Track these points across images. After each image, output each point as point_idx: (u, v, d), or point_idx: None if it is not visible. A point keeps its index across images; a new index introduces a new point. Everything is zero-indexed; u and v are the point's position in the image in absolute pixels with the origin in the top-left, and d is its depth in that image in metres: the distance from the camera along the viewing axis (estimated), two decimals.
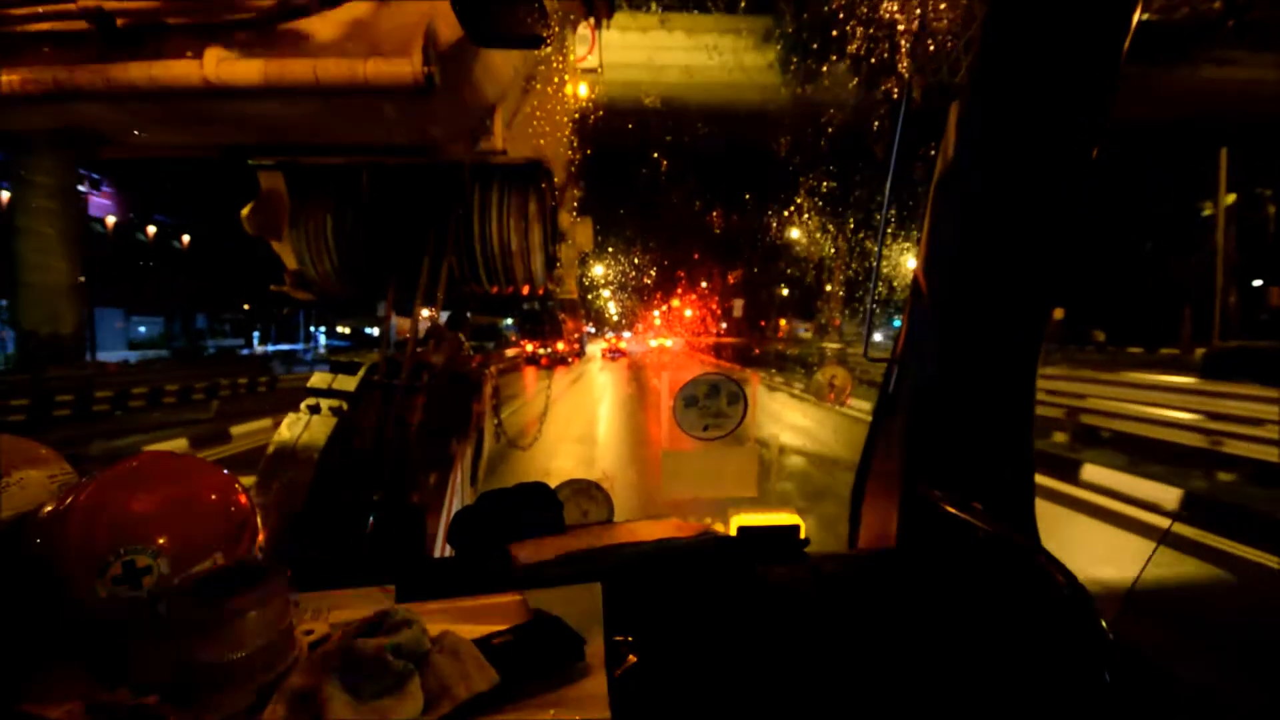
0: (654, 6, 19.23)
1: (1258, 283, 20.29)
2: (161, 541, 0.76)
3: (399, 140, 2.29)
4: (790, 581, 1.13)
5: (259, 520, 0.92)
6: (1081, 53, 1.08)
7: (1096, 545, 5.03)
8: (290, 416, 2.28)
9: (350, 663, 0.69)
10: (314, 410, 2.30)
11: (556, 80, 2.70)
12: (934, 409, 1.29)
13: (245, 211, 2.62)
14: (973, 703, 0.89)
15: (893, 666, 0.93)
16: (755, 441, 1.58)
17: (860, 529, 1.41)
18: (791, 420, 11.10)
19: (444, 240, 2.62)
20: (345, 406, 2.32)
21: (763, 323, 36.36)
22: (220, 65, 1.50)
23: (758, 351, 27.42)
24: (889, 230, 1.50)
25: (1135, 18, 1.02)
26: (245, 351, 33.40)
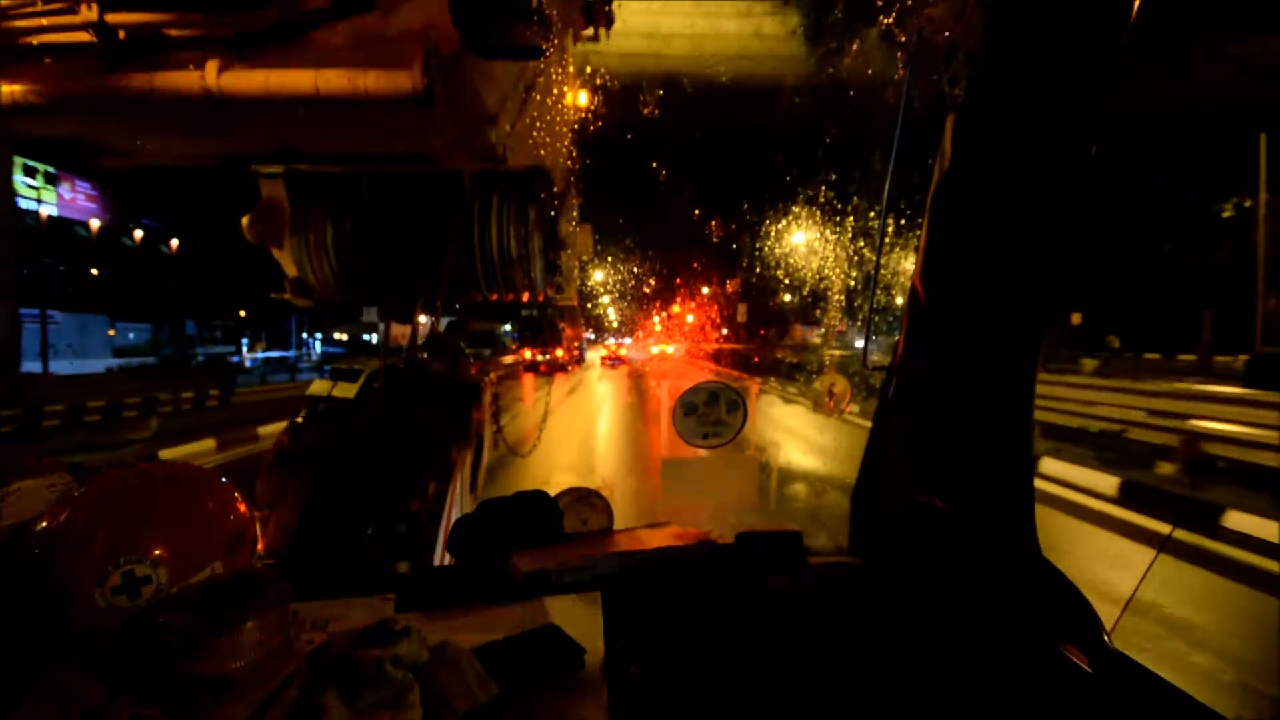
0: None
1: None
2: (160, 551, 0.76)
3: (400, 149, 2.30)
4: (790, 590, 1.12)
5: (258, 529, 0.92)
6: (1077, 63, 1.09)
7: None
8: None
9: (349, 673, 0.69)
10: (309, 418, 2.30)
11: (556, 90, 2.72)
12: (933, 417, 1.29)
13: (246, 219, 2.63)
14: (973, 709, 0.89)
15: (894, 674, 0.93)
16: (755, 449, 1.58)
17: (861, 537, 1.41)
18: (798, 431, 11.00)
19: (444, 248, 2.63)
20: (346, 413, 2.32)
21: (762, 331, 36.23)
22: (222, 76, 1.52)
23: (756, 360, 27.33)
24: (886, 240, 1.51)
25: (1129, 25, 1.03)
26: (235, 359, 32.41)
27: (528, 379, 20.48)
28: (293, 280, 2.81)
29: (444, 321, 3.13)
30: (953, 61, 1.23)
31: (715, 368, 24.89)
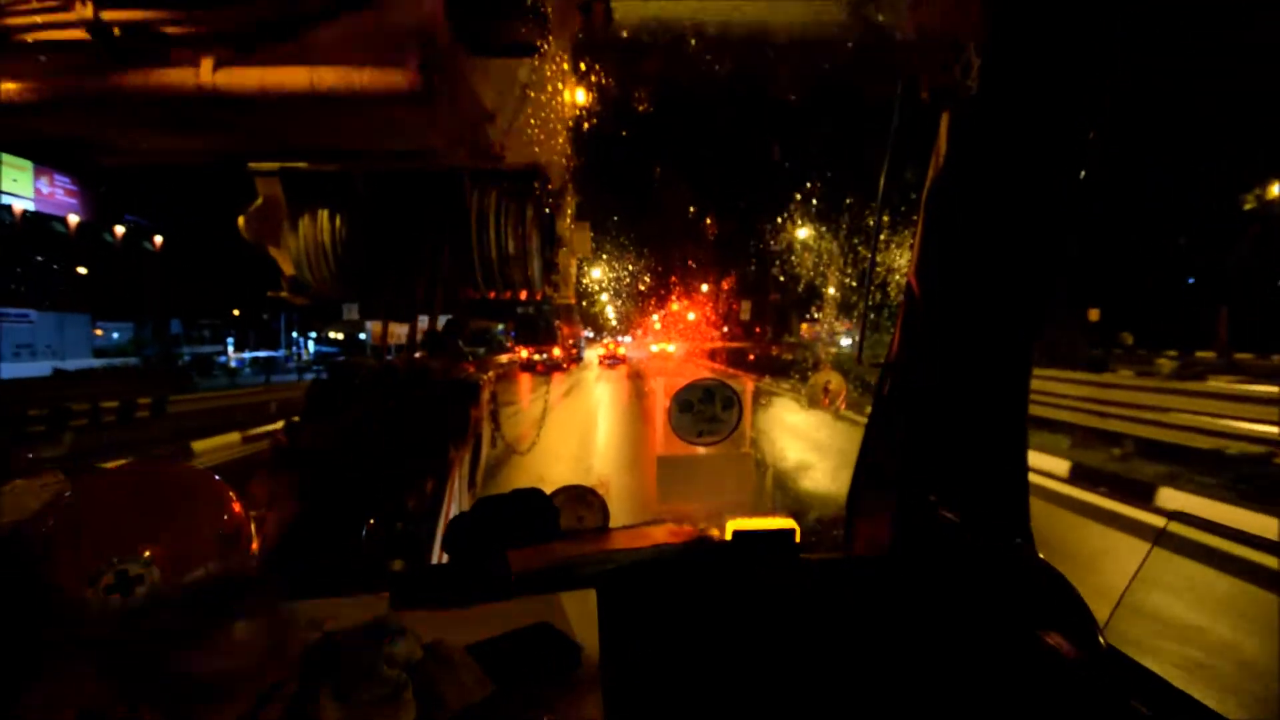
0: None
1: None
2: (154, 550, 0.76)
3: (396, 147, 2.30)
4: (785, 586, 1.13)
5: (253, 529, 0.92)
6: (1074, 59, 1.09)
7: None
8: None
9: (344, 671, 0.69)
10: (296, 427, 2.29)
11: (554, 88, 2.72)
12: (928, 414, 1.29)
13: (243, 218, 2.63)
14: (966, 706, 0.89)
15: (887, 670, 0.93)
16: (751, 446, 1.59)
17: (855, 533, 1.41)
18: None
19: (441, 246, 2.63)
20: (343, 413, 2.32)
21: (758, 328, 36.12)
22: (217, 73, 1.51)
23: (751, 359, 27.21)
24: (882, 236, 1.51)
25: (1128, 18, 1.03)
26: (222, 359, 30.81)
27: (523, 378, 20.20)
28: (290, 279, 2.81)
29: (440, 320, 3.13)
30: (959, 54, 1.22)
31: (717, 365, 24.72)
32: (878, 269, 1.50)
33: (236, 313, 37.81)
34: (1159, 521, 5.55)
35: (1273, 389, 8.44)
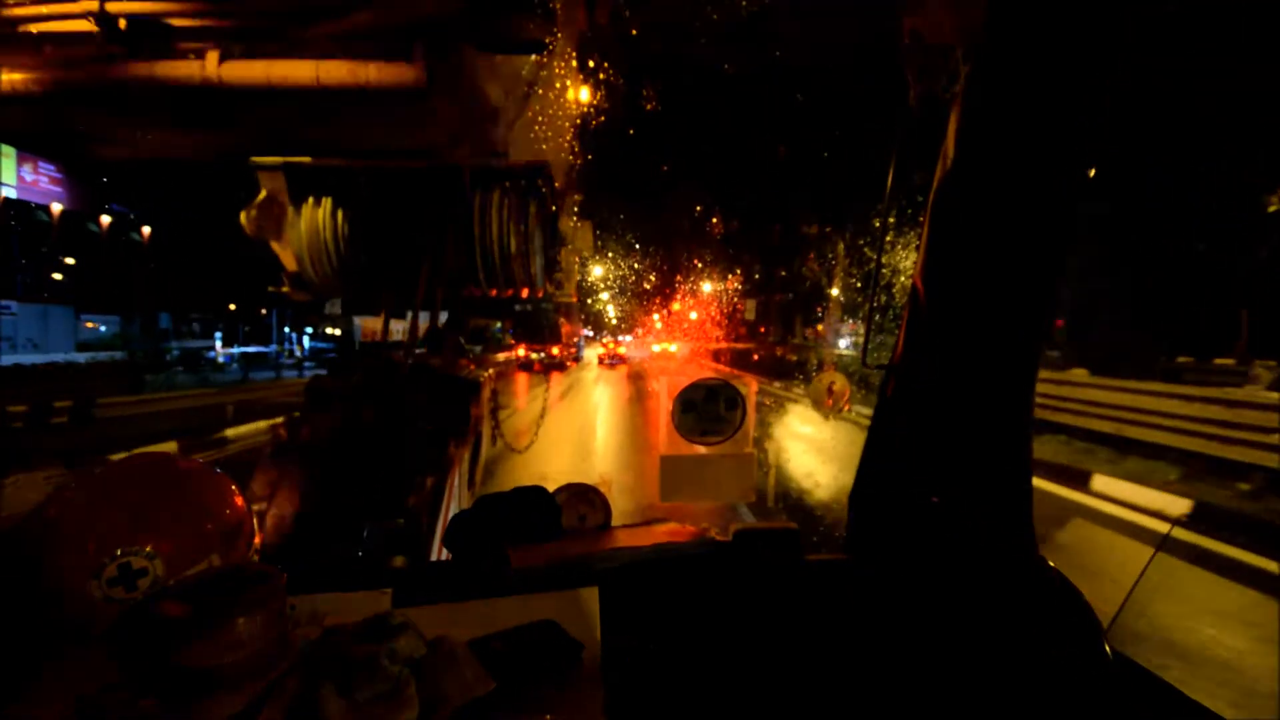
0: None
1: None
2: (157, 544, 0.76)
3: (400, 143, 2.30)
4: (788, 587, 1.12)
5: (255, 523, 0.91)
6: (1080, 59, 1.09)
7: None
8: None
9: (346, 667, 0.69)
10: (296, 422, 2.28)
11: (559, 85, 2.71)
12: (932, 415, 1.29)
13: (245, 213, 2.62)
14: (969, 708, 0.89)
15: (890, 672, 0.93)
16: (754, 447, 1.58)
17: (858, 535, 1.41)
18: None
19: (444, 243, 2.62)
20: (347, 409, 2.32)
21: (761, 329, 36.00)
22: (223, 66, 1.51)
23: (755, 358, 27.09)
24: (887, 239, 1.51)
25: (1133, 20, 1.03)
26: (211, 354, 29.07)
27: (520, 378, 19.86)
28: (291, 274, 2.80)
29: (440, 317, 3.13)
30: (950, 59, 1.22)
31: (720, 366, 24.49)
32: (884, 270, 1.49)
33: (233, 307, 37.22)
34: None
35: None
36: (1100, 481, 6.79)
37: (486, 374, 3.25)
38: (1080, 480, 6.92)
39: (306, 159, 2.55)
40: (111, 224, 28.16)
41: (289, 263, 2.78)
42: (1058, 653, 0.89)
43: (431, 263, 2.68)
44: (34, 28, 1.51)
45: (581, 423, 11.59)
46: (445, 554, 1.30)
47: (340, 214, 2.67)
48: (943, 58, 1.20)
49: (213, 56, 1.51)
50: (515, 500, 1.27)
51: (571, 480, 1.39)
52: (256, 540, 0.91)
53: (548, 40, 1.50)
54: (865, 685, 0.92)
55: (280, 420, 2.28)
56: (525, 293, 2.93)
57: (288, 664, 0.74)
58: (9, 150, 19.99)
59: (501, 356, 23.42)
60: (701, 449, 1.53)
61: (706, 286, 36.85)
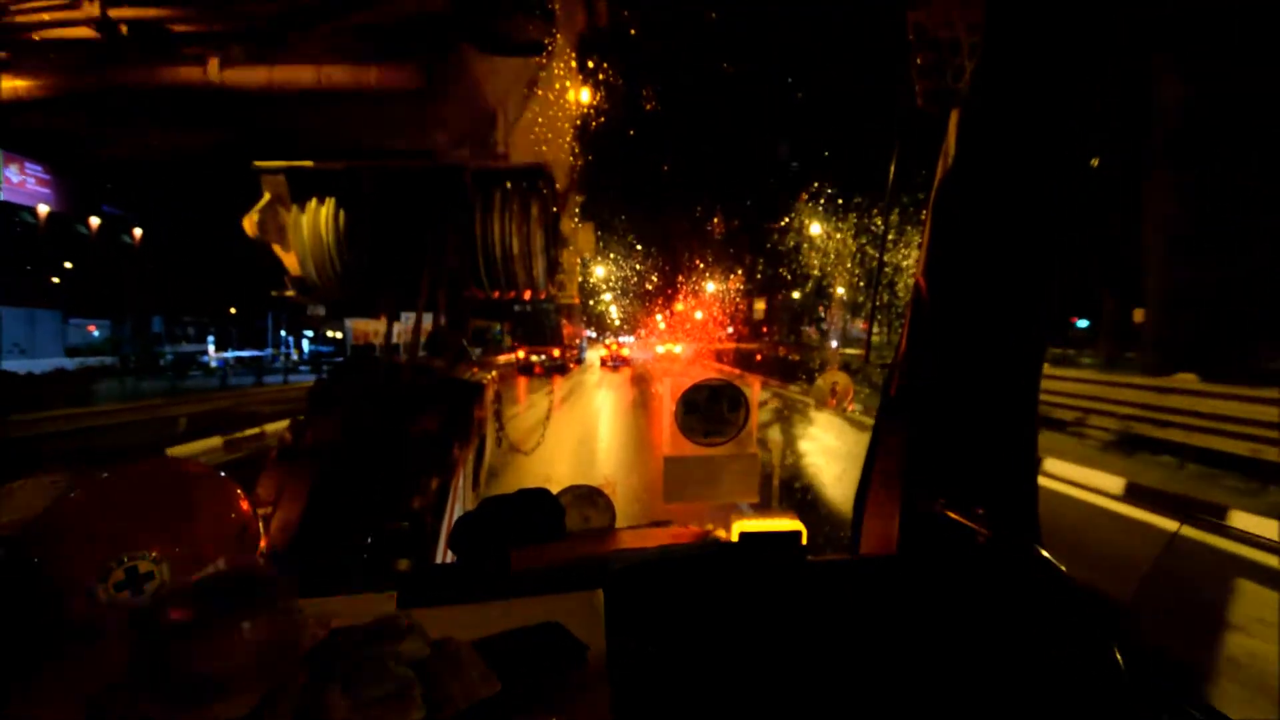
0: None
1: None
2: (163, 548, 0.76)
3: (402, 145, 2.30)
4: (792, 588, 1.12)
5: (261, 526, 0.92)
6: (1080, 60, 1.08)
7: None
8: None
9: (351, 669, 0.69)
10: (301, 425, 2.28)
11: (559, 86, 2.71)
12: (936, 414, 1.29)
13: (248, 217, 2.63)
14: (976, 709, 0.88)
15: (895, 673, 0.93)
16: (758, 447, 1.58)
17: (862, 535, 1.40)
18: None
19: (446, 244, 2.62)
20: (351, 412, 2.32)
21: (765, 329, 35.88)
22: (225, 70, 1.51)
23: (759, 359, 27.00)
24: (889, 238, 1.50)
25: (1129, 22, 1.03)
26: (205, 359, 28.49)
27: (521, 382, 19.07)
28: (294, 278, 2.81)
29: (441, 319, 3.13)
30: (956, 55, 1.22)
31: (724, 367, 24.24)
32: (886, 269, 1.49)
33: (233, 310, 36.70)
34: None
35: None
36: (1240, 518, 5.24)
37: (490, 376, 3.25)
38: (1218, 515, 5.30)
39: (309, 163, 2.56)
40: (102, 226, 27.16)
41: (292, 266, 2.79)
42: (1063, 653, 0.88)
43: (434, 265, 2.69)
44: (36, 35, 1.52)
45: (584, 428, 11.58)
46: (450, 556, 1.30)
47: (343, 216, 2.68)
48: (948, 53, 1.19)
49: (214, 61, 1.51)
50: (519, 502, 1.27)
51: (575, 483, 1.39)
52: (263, 544, 0.91)
53: (547, 41, 1.50)
54: (871, 686, 0.92)
55: (219, 440, 2.26)
56: (527, 294, 2.93)
57: (293, 666, 0.74)
58: None
59: (501, 359, 22.82)
60: (705, 449, 1.53)
61: (709, 286, 36.78)
